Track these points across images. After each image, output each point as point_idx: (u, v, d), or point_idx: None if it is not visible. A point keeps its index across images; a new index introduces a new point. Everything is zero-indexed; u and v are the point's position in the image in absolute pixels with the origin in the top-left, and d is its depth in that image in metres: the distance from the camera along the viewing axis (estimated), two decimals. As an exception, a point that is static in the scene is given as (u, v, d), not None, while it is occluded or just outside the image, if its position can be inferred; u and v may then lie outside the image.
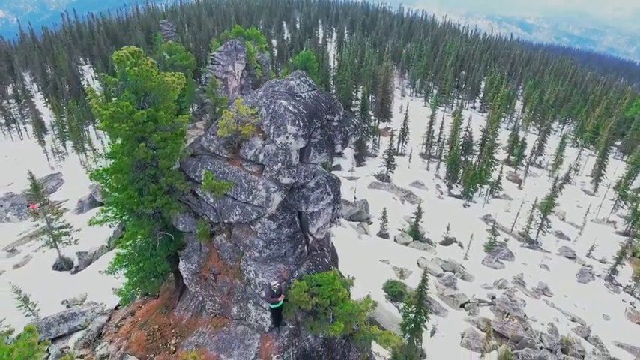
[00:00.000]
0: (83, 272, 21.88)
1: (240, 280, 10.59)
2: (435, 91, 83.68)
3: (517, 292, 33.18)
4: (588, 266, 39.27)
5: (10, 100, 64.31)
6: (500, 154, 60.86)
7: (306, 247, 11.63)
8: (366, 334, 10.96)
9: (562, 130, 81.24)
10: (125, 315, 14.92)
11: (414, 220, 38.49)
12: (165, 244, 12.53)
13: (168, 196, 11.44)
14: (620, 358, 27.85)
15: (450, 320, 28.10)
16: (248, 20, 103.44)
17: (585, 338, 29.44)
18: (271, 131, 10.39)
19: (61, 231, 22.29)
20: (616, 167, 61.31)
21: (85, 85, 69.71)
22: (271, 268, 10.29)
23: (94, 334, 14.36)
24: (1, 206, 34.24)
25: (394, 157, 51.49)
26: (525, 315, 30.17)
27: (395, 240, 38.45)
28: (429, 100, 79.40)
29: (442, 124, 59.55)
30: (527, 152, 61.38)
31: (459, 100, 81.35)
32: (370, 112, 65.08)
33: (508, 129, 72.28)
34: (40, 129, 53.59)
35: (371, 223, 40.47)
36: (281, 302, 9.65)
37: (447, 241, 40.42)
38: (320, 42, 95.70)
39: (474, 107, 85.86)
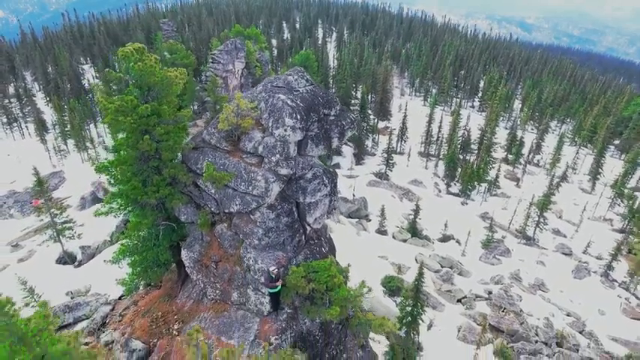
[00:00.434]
0: (86, 266, 22.32)
1: (240, 267, 11.03)
2: (434, 91, 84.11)
3: (513, 288, 33.60)
4: (584, 263, 39.69)
5: (12, 100, 64.77)
6: (499, 153, 61.36)
7: (303, 237, 12.07)
8: (362, 319, 11.40)
9: (560, 129, 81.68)
10: (128, 305, 15.35)
11: (412, 217, 38.94)
12: (168, 234, 12.97)
13: (171, 187, 11.88)
14: (614, 351, 28.24)
15: (446, 315, 28.52)
16: (248, 20, 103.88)
17: (580, 332, 29.85)
18: (270, 124, 10.83)
19: (64, 226, 22.73)
20: (613, 166, 61.82)
21: (86, 85, 70.27)
22: (270, 255, 10.73)
23: (99, 323, 14.79)
24: (4, 203, 34.68)
25: (393, 155, 51.92)
26: (521, 310, 30.58)
27: (393, 237, 38.89)
28: (428, 100, 79.86)
29: (441, 123, 59.99)
30: (525, 151, 61.82)
31: (458, 100, 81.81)
32: (369, 111, 65.49)
33: (506, 128, 72.74)
34: (41, 128, 53.98)
35: (369, 220, 40.90)
36: (279, 287, 10.08)
37: (445, 238, 40.86)
38: (320, 42, 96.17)
39: (472, 107, 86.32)
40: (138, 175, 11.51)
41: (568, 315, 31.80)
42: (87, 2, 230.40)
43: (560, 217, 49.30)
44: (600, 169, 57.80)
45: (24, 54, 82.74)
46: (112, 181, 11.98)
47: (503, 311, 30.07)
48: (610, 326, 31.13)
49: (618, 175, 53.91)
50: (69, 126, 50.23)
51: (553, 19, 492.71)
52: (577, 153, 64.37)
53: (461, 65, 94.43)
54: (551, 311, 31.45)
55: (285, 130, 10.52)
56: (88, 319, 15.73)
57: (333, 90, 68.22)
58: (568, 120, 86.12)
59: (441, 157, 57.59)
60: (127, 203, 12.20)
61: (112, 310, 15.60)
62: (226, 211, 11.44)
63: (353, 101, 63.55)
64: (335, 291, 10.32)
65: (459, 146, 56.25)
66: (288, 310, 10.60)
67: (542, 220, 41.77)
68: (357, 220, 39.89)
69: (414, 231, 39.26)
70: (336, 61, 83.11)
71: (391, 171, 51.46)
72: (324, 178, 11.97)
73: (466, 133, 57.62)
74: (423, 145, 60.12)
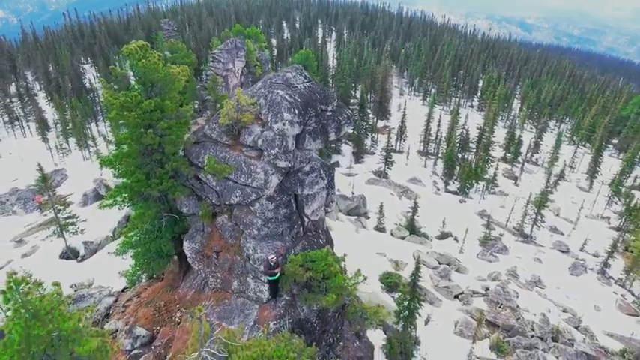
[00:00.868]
0: (89, 260, 22.75)
1: (240, 256, 11.45)
2: (433, 90, 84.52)
3: (510, 284, 33.98)
4: (581, 260, 40.08)
5: (13, 99, 65.26)
6: (497, 152, 61.77)
7: (301, 228, 12.49)
8: (357, 307, 11.81)
9: (559, 128, 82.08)
10: (131, 296, 15.76)
11: (411, 214, 39.35)
12: (170, 226, 13.39)
13: (173, 180, 12.31)
14: (609, 346, 28.63)
15: (443, 310, 28.91)
16: (248, 20, 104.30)
17: (576, 328, 30.24)
18: (269, 118, 11.24)
19: (67, 221, 23.15)
20: (611, 165, 62.24)
21: (87, 84, 70.69)
22: (269, 244, 11.15)
23: (102, 314, 15.19)
24: (7, 201, 35.11)
25: (392, 154, 52.32)
26: (518, 306, 30.96)
27: (391, 234, 39.30)
28: (427, 99, 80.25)
29: (439, 122, 60.41)
30: (523, 150, 62.23)
31: (457, 99, 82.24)
32: (369, 111, 65.90)
33: (505, 127, 73.15)
34: (43, 126, 54.43)
35: (368, 217, 41.32)
36: (278, 275, 10.50)
37: (443, 236, 41.27)
38: (319, 41, 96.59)
39: (471, 106, 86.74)
40: (141, 168, 11.93)
41: (564, 311, 32.17)
42: (87, 2, 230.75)
43: (557, 215, 49.70)
44: (598, 168, 58.21)
45: (25, 53, 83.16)
46: (116, 175, 12.39)
47: (499, 307, 30.47)
48: (605, 322, 31.52)
49: (616, 173, 54.33)
50: (70, 124, 50.66)
51: (553, 19, 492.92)
52: (575, 152, 64.81)
53: (460, 65, 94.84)
54: (548, 307, 31.83)
55: (284, 125, 10.93)
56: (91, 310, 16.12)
57: (333, 89, 68.64)
58: (567, 119, 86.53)
59: (439, 155, 58.00)
60: (131, 196, 12.62)
61: (116, 301, 16.01)
62: (227, 202, 11.86)
63: (352, 100, 63.98)
64: (331, 279, 10.72)
65: (458, 145, 56.67)
66: (286, 298, 11.03)
67: (539, 217, 42.18)
68: (355, 217, 40.31)
69: (412, 228, 39.67)
70: (335, 61, 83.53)
71: (390, 169, 51.87)
72: (322, 172, 12.39)
73: (464, 132, 58.04)
74: (422, 144, 60.54)
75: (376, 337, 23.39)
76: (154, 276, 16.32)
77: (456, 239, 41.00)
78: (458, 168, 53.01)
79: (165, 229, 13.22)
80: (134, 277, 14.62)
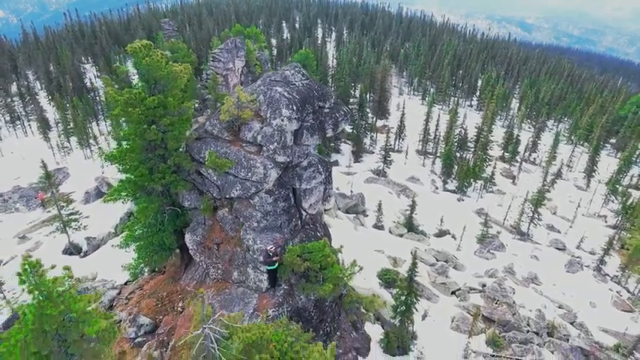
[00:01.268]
0: (92, 255, 23.14)
1: (241, 247, 11.86)
2: (432, 90, 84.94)
3: (507, 281, 34.36)
4: (577, 257, 40.48)
5: (14, 98, 65.65)
6: (495, 151, 62.21)
7: (300, 221, 12.90)
8: (354, 298, 12.22)
9: (557, 127, 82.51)
10: (134, 289, 16.17)
11: (409, 212, 39.73)
12: (173, 220, 13.80)
13: (175, 174, 12.71)
14: (604, 342, 29.02)
15: (441, 306, 29.25)
16: (248, 20, 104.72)
17: (571, 324, 30.63)
18: (268, 115, 11.65)
19: (70, 217, 23.56)
20: (608, 163, 62.68)
21: (88, 84, 71.07)
22: (268, 236, 11.56)
23: (106, 306, 15.60)
24: (10, 198, 35.51)
25: (391, 153, 52.71)
26: (514, 302, 31.33)
27: (390, 232, 39.68)
28: (426, 99, 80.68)
29: (438, 121, 60.82)
30: (521, 149, 62.65)
31: (456, 99, 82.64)
32: (368, 110, 66.31)
33: (503, 126, 73.57)
34: (44, 126, 54.82)
35: (367, 215, 41.69)
36: (277, 265, 10.91)
37: (441, 233, 41.66)
38: (319, 41, 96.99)
39: (470, 106, 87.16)
40: (145, 163, 12.34)
41: (560, 307, 32.55)
42: (87, 2, 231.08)
43: (554, 214, 50.12)
44: (595, 167, 58.62)
45: (26, 53, 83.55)
46: (120, 170, 12.79)
47: (496, 303, 30.88)
48: (601, 318, 31.89)
49: (613, 172, 54.74)
50: (72, 123, 51.06)
51: (553, 19, 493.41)
52: (573, 151, 65.24)
53: (459, 65, 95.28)
54: (544, 303, 32.21)
55: (282, 120, 11.34)
56: (95, 302, 16.53)
57: (332, 89, 69.05)
58: (565, 119, 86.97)
59: (438, 154, 58.40)
60: (135, 190, 13.03)
61: (119, 294, 16.42)
62: (227, 196, 12.26)
63: (351, 100, 64.36)
64: (328, 269, 11.13)
65: (456, 144, 57.09)
66: (285, 287, 11.44)
67: (536, 215, 42.59)
68: (354, 215, 40.70)
69: (410, 226, 40.05)
70: (335, 61, 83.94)
71: (389, 168, 52.28)
72: (319, 167, 12.80)
73: (463, 131, 58.45)
74: (421, 143, 60.93)
75: (374, 331, 23.77)
76: (156, 269, 16.73)
77: (453, 237, 41.39)
78: (456, 167, 53.41)
79: (167, 222, 13.62)
80: (137, 270, 15.02)
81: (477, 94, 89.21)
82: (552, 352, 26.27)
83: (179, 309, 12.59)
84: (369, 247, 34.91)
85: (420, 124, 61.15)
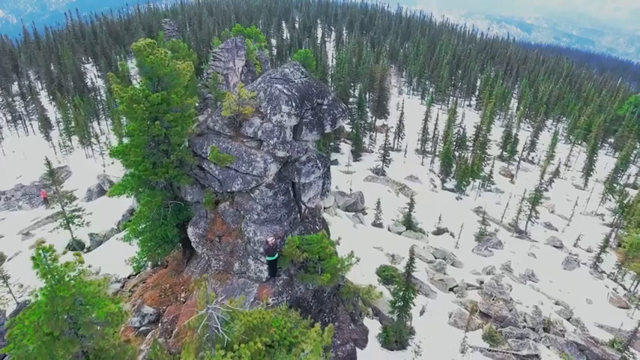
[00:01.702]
0: (95, 251, 23.51)
1: (242, 239, 12.25)
2: (432, 90, 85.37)
3: (504, 278, 34.74)
4: (574, 255, 40.85)
5: (15, 98, 66.08)
6: (494, 150, 62.64)
7: (299, 215, 13.29)
8: (351, 288, 12.61)
9: (556, 127, 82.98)
10: (137, 282, 16.56)
11: (407, 210, 40.12)
12: (175, 213, 14.19)
13: (178, 169, 13.11)
14: (599, 337, 29.42)
15: (438, 302, 29.61)
16: (248, 20, 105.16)
17: (568, 319, 31.01)
18: (268, 111, 12.05)
19: (73, 214, 23.95)
20: (606, 163, 63.12)
21: (89, 83, 71.45)
22: (268, 228, 11.96)
23: (110, 298, 15.97)
24: (13, 196, 35.92)
25: (390, 152, 53.11)
26: (511, 298, 31.72)
27: (388, 229, 40.06)
28: (426, 98, 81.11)
29: (437, 120, 61.22)
30: (519, 148, 63.08)
31: (455, 98, 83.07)
32: (367, 110, 66.70)
33: (502, 126, 74.01)
34: (45, 125, 55.23)
35: (366, 213, 42.07)
36: (276, 255, 11.29)
37: (439, 231, 42.04)
38: (319, 41, 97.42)
39: (469, 105, 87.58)
40: (149, 158, 12.73)
41: (556, 303, 32.92)
42: (87, 2, 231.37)
43: (552, 212, 50.50)
44: (593, 166, 59.05)
45: (27, 53, 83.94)
46: (125, 164, 13.18)
47: (493, 299, 31.28)
48: (597, 314, 32.28)
49: (610, 171, 55.17)
50: (73, 122, 51.46)
51: (552, 19, 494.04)
52: (571, 150, 65.67)
53: (458, 64, 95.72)
54: (540, 300, 32.59)
55: (282, 116, 11.73)
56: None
57: (332, 88, 69.45)
58: (563, 118, 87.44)
59: (437, 154, 58.81)
60: (139, 184, 13.42)
61: (122, 287, 16.81)
62: (229, 190, 12.66)
63: (351, 100, 64.75)
64: (326, 260, 11.52)
65: (455, 143, 57.50)
66: (285, 277, 11.83)
67: (533, 213, 43.00)
68: (353, 213, 41.08)
69: (409, 224, 40.43)
70: (334, 60, 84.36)
71: (388, 167, 52.67)
72: (318, 162, 13.19)
73: (461, 130, 58.86)
74: (420, 142, 61.33)
75: (372, 326, 24.16)
76: (159, 263, 17.12)
77: (452, 235, 41.77)
78: (455, 166, 53.82)
79: (170, 216, 14.02)
80: (140, 263, 15.39)
81: (476, 93, 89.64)
82: (548, 347, 26.67)
83: (182, 299, 12.98)
84: (368, 244, 35.28)
85: (419, 123, 61.56)
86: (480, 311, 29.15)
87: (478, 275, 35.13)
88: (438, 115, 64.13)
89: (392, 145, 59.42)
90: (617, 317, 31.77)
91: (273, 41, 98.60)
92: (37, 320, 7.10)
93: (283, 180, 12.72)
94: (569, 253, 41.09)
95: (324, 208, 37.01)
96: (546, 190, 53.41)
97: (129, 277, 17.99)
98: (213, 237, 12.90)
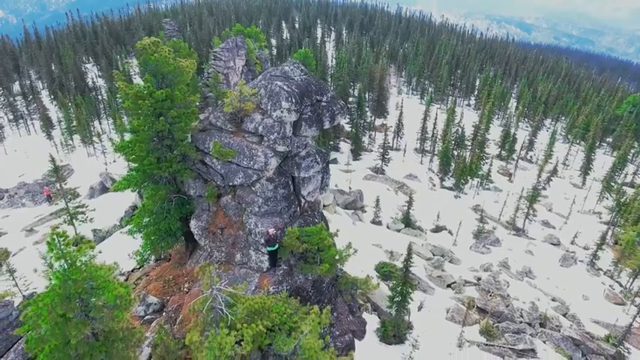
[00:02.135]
0: (98, 246, 23.84)
1: (243, 231, 12.67)
2: (431, 89, 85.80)
3: (502, 275, 35.17)
4: (571, 252, 41.28)
5: (17, 97, 66.50)
6: (493, 149, 63.05)
7: (298, 208, 13.71)
8: (349, 279, 13.02)
9: (554, 126, 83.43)
10: (141, 275, 16.96)
11: (406, 208, 40.54)
12: (178, 207, 14.62)
13: (181, 163, 13.53)
14: (595, 332, 29.83)
15: (436, 298, 30.03)
16: (248, 20, 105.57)
17: (564, 315, 31.43)
18: (269, 107, 12.47)
19: (77, 210, 24.38)
20: (604, 162, 63.55)
21: (90, 83, 71.85)
22: (269, 220, 12.38)
23: (114, 291, 16.37)
24: (16, 194, 36.33)
25: (389, 151, 53.54)
26: (508, 295, 32.12)
27: (387, 227, 40.48)
28: (425, 98, 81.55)
29: (436, 120, 61.66)
30: (518, 147, 63.51)
31: (454, 98, 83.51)
32: (366, 109, 67.12)
33: (501, 125, 74.44)
34: (47, 124, 55.64)
35: (365, 211, 42.49)
36: (277, 246, 11.71)
37: (438, 229, 42.47)
38: (318, 41, 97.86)
39: (468, 105, 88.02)
40: (153, 153, 13.15)
41: (553, 300, 33.34)
42: (87, 2, 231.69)
43: (550, 210, 50.94)
44: (591, 165, 59.49)
45: (28, 53, 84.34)
46: (130, 159, 13.59)
47: (490, 295, 31.70)
48: (593, 310, 32.69)
49: (608, 170, 55.59)
50: (75, 122, 51.87)
51: (552, 19, 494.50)
52: (569, 149, 66.11)
53: (457, 64, 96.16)
54: (537, 296, 33.02)
55: (282, 112, 12.15)
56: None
57: (332, 88, 69.84)
58: (562, 118, 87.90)
59: (435, 153, 59.25)
60: (144, 179, 13.84)
61: (126, 280, 17.21)
62: (230, 184, 13.08)
63: (350, 99, 65.16)
64: (325, 251, 11.93)
65: (453, 142, 57.93)
66: (285, 267, 12.25)
67: (531, 211, 43.44)
68: (352, 211, 41.50)
69: (407, 222, 40.85)
70: (334, 60, 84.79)
71: (387, 166, 53.10)
72: (317, 157, 13.62)
73: (460, 129, 59.29)
74: (419, 141, 61.76)
75: (371, 321, 24.59)
76: (162, 257, 17.54)
77: (450, 232, 42.20)
78: (453, 165, 54.24)
79: (174, 209, 14.44)
80: (144, 256, 15.82)
81: (475, 93, 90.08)
82: (544, 342, 27.08)
83: (185, 289, 13.39)
84: (367, 241, 35.68)
85: (418, 122, 61.99)
86: (477, 307, 29.57)
87: (476, 272, 35.55)
88: (436, 114, 64.54)
89: (391, 145, 59.87)
90: (613, 313, 32.19)
91: (273, 41, 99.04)
92: (50, 302, 7.51)
93: (283, 174, 13.14)
94: (567, 251, 41.52)
95: (324, 205, 37.42)
96: (544, 188, 53.87)
97: (132, 271, 18.40)
98: (215, 229, 13.32)
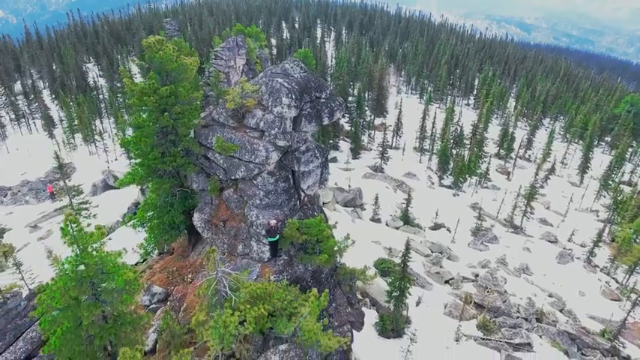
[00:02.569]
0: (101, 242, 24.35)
1: (245, 223, 13.10)
2: (430, 89, 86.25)
3: (499, 271, 35.62)
4: (568, 249, 41.74)
5: (18, 97, 66.92)
6: (491, 148, 63.54)
7: (298, 202, 14.14)
8: (347, 270, 13.45)
9: (553, 125, 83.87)
10: (144, 269, 17.38)
11: (405, 206, 40.97)
12: (182, 200, 15.05)
13: (185, 158, 13.98)
14: (590, 328, 30.28)
15: (434, 293, 30.48)
16: (248, 20, 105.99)
17: (560, 311, 31.89)
18: (269, 103, 12.91)
19: (81, 206, 24.81)
20: (602, 161, 64.01)
21: (91, 82, 72.28)
22: (270, 212, 12.82)
23: (119, 283, 16.81)
24: (19, 191, 36.76)
25: (388, 150, 53.99)
26: (505, 291, 32.60)
27: (386, 224, 40.93)
28: (424, 97, 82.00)
29: (434, 119, 62.09)
30: (516, 146, 63.95)
31: (453, 98, 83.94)
32: (366, 108, 67.55)
33: (499, 124, 74.89)
34: (49, 123, 56.08)
35: (364, 209, 42.93)
36: (277, 237, 12.15)
37: (436, 227, 42.92)
38: (318, 41, 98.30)
39: (467, 104, 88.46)
40: (157, 147, 13.59)
41: (550, 296, 33.79)
42: (87, 3, 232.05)
43: (547, 208, 51.40)
44: (589, 164, 59.95)
45: (29, 52, 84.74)
46: (135, 154, 14.02)
47: (487, 291, 32.15)
48: (589, 306, 33.16)
49: (606, 168, 56.05)
50: (77, 120, 52.30)
51: (552, 19, 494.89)
52: (567, 148, 66.56)
53: (457, 64, 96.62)
54: (534, 292, 33.46)
55: (282, 108, 12.59)
56: (108, 282, 17.79)
57: (331, 87, 70.23)
58: (560, 117, 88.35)
59: (434, 151, 59.69)
60: (148, 173, 14.27)
61: (130, 273, 17.64)
62: (232, 177, 13.52)
63: (350, 98, 65.59)
64: (324, 242, 12.37)
65: (452, 141, 58.38)
66: (285, 258, 12.69)
67: (528, 209, 43.89)
68: (352, 209, 41.94)
69: (406, 219, 41.29)
70: (334, 60, 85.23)
71: (386, 164, 53.54)
72: (316, 152, 14.06)
73: (458, 128, 59.74)
74: (418, 140, 62.19)
75: (369, 316, 25.03)
76: (165, 250, 17.98)
77: (448, 230, 42.65)
78: (452, 163, 54.69)
79: (177, 203, 14.88)
80: (148, 249, 16.25)
81: (474, 92, 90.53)
82: (540, 336, 27.52)
83: (189, 280, 13.82)
84: (367, 238, 36.12)
85: (417, 122, 62.42)
86: (475, 302, 30.02)
87: (473, 268, 36.00)
88: (435, 113, 65.02)
89: (390, 143, 60.34)
90: (609, 309, 32.63)
91: (273, 41, 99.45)
92: (64, 285, 7.94)
93: (284, 168, 13.57)
94: (564, 248, 41.99)
95: (324, 203, 37.85)
96: (542, 187, 54.29)
97: (136, 264, 18.82)
98: (218, 222, 13.75)
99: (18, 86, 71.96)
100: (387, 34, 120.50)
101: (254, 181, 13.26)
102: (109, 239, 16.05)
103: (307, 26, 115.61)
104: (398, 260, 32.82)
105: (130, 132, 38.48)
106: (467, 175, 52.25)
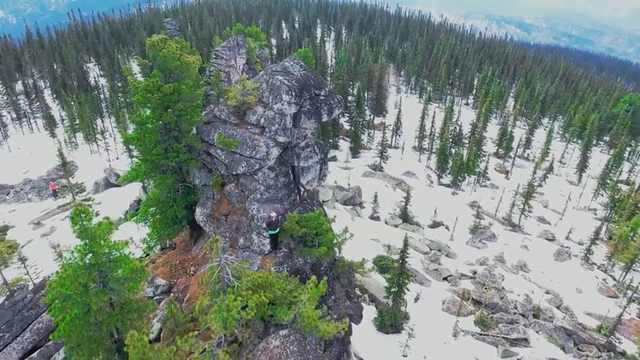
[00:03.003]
0: (104, 238, 24.73)
1: (246, 217, 13.46)
2: (429, 88, 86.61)
3: (497, 269, 35.98)
4: (566, 247, 42.08)
5: (20, 96, 67.27)
6: (490, 147, 63.91)
7: (298, 196, 14.50)
8: (346, 263, 13.81)
9: (551, 125, 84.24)
10: (147, 263, 17.73)
11: (404, 204, 41.33)
12: (184, 196, 15.42)
13: (188, 153, 14.35)
14: (587, 324, 30.64)
15: (433, 290, 30.85)
16: (248, 19, 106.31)
17: (557, 307, 32.24)
18: (270, 100, 13.27)
19: (84, 203, 25.15)
20: (600, 160, 64.37)
21: (92, 82, 72.66)
22: (270, 206, 13.18)
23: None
24: (22, 190, 37.12)
25: (388, 149, 54.35)
26: (503, 287, 32.95)
27: (385, 222, 41.27)
28: (423, 97, 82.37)
29: (434, 118, 62.46)
30: (515, 145, 64.32)
31: (452, 97, 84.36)
32: (365, 108, 67.90)
33: (498, 124, 75.24)
34: (50, 122, 56.43)
35: (363, 207, 43.29)
36: (278, 230, 12.51)
37: (435, 225, 43.27)
38: (318, 41, 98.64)
39: (467, 104, 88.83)
40: (161, 144, 13.95)
41: (547, 292, 34.14)
42: (87, 3, 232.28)
43: (546, 207, 51.75)
44: (587, 163, 60.32)
45: (30, 52, 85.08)
46: (139, 150, 14.38)
47: (485, 288, 32.51)
48: (586, 303, 33.51)
49: (604, 167, 56.38)
50: (78, 119, 52.67)
51: (552, 19, 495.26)
52: (566, 147, 66.94)
53: (456, 64, 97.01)
54: (531, 289, 33.84)
55: (283, 105, 12.96)
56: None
57: (331, 87, 70.44)
58: (559, 116, 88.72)
59: (433, 150, 60.05)
60: (151, 169, 14.63)
61: (133, 267, 17.99)
62: (234, 173, 13.88)
63: (350, 98, 65.95)
64: (323, 235, 12.73)
65: (451, 140, 58.74)
66: (285, 250, 13.05)
67: (526, 207, 44.24)
68: (351, 207, 42.30)
69: (405, 217, 41.64)
70: (333, 60, 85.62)
71: (385, 163, 53.90)
72: (316, 148, 14.42)
73: (457, 127, 60.10)
74: (417, 139, 62.55)
75: (368, 312, 25.40)
76: (167, 245, 18.35)
77: (447, 228, 43.00)
78: (451, 162, 55.05)
79: (180, 198, 15.25)
80: (150, 244, 16.62)
81: (473, 92, 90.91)
82: (537, 332, 27.90)
83: (192, 272, 14.19)
84: (366, 236, 36.46)
85: (416, 121, 62.75)
86: (472, 298, 30.38)
87: (472, 266, 36.36)
88: (435, 113, 65.37)
89: (390, 142, 60.71)
90: (606, 306, 32.97)
91: (273, 41, 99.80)
92: (73, 273, 8.30)
93: (284, 163, 13.93)
94: (561, 246, 42.33)
95: (323, 201, 38.22)
96: (540, 185, 54.65)
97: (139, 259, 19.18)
98: (219, 216, 14.11)
99: (19, 86, 72.30)
100: (387, 34, 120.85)
101: (255, 176, 13.61)
102: (116, 229, 16.40)
103: (307, 26, 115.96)
104: (397, 257, 33.29)
105: (131, 130, 38.80)
106: (465, 174, 52.63)
